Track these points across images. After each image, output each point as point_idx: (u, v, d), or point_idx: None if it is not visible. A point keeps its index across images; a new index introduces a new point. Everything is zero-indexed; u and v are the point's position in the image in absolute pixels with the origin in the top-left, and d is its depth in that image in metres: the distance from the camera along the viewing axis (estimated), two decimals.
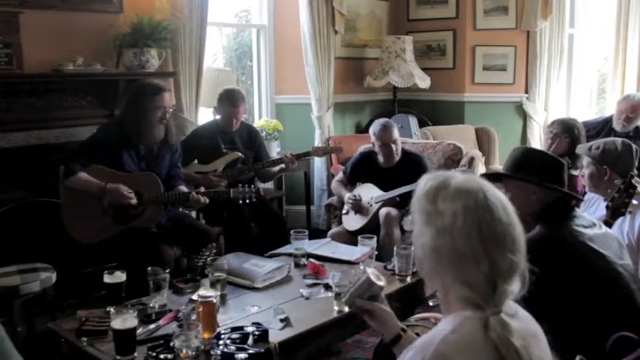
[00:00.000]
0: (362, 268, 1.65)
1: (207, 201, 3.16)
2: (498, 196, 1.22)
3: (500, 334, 1.12)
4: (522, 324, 1.19)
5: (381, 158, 3.77)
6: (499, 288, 1.15)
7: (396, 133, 3.72)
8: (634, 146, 2.71)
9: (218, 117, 3.90)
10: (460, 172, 1.27)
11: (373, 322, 1.58)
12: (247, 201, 3.24)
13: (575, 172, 3.65)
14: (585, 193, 3.09)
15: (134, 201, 2.98)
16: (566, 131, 3.69)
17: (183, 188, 3.24)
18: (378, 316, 1.57)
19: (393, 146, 3.69)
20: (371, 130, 3.78)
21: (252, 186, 3.29)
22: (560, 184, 1.97)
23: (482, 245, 1.15)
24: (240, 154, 3.80)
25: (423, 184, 1.26)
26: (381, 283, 1.61)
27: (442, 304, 1.27)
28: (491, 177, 2.06)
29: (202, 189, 3.23)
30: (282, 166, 3.82)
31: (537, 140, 5.60)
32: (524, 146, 2.14)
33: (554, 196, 1.96)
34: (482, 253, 1.15)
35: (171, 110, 3.16)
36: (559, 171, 2.00)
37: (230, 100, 3.77)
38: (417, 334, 1.83)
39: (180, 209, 3.47)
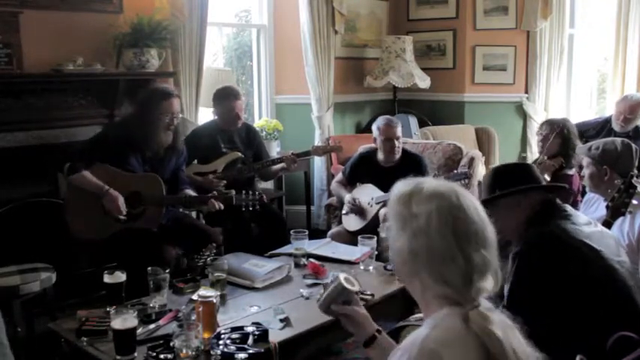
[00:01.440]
0: (334, 274, 1.66)
1: (222, 207, 3.14)
2: (470, 198, 1.27)
3: (481, 324, 1.17)
4: (500, 317, 1.23)
5: (381, 155, 3.77)
6: (475, 283, 1.21)
7: (399, 130, 3.73)
8: (634, 146, 2.71)
9: (212, 116, 3.88)
10: (432, 178, 1.35)
11: (349, 326, 1.59)
12: (250, 209, 3.21)
13: (570, 172, 3.65)
14: (582, 192, 3.09)
15: (122, 217, 2.97)
16: (554, 131, 3.70)
17: (190, 192, 3.24)
18: (353, 319, 1.58)
19: (396, 142, 3.70)
20: (375, 125, 3.78)
21: (257, 193, 3.25)
22: (532, 182, 1.98)
23: (457, 243, 1.20)
24: (239, 154, 3.79)
25: (396, 190, 1.32)
26: (354, 288, 1.61)
27: (421, 307, 1.31)
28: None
29: (215, 193, 3.22)
30: (283, 165, 3.82)
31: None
32: (488, 171, 2.18)
33: (540, 197, 1.97)
34: (457, 250, 1.20)
35: (180, 116, 3.16)
36: (528, 172, 2.02)
37: (228, 96, 3.75)
38: None
39: (181, 209, 3.47)
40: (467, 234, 1.21)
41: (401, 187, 1.31)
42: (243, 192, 3.21)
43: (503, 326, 1.20)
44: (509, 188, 1.96)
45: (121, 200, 2.96)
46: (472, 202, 1.27)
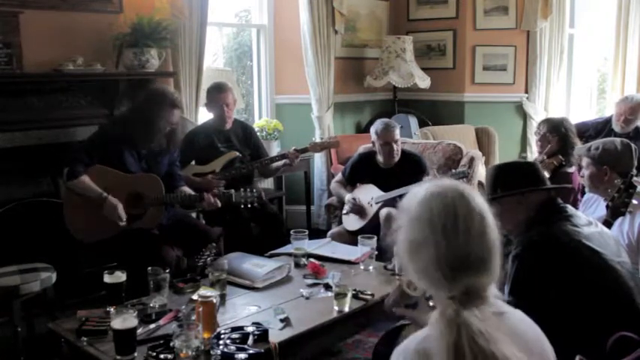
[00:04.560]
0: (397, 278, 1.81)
1: (220, 204, 3.15)
2: (463, 192, 1.23)
3: (463, 332, 1.09)
4: (507, 323, 1.19)
5: (380, 158, 3.76)
6: (455, 277, 1.16)
7: (397, 133, 3.72)
8: (633, 146, 2.71)
9: (211, 116, 3.88)
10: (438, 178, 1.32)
11: (416, 328, 1.64)
12: (249, 206, 3.22)
13: (569, 170, 3.65)
14: (582, 191, 3.09)
15: (123, 223, 2.96)
16: (553, 130, 3.71)
17: (186, 189, 3.24)
18: (415, 322, 1.65)
19: (394, 146, 3.69)
20: (373, 128, 3.77)
21: (255, 190, 3.26)
22: (537, 184, 1.98)
23: (433, 232, 1.18)
24: (237, 153, 3.78)
25: (407, 196, 1.30)
26: (415, 293, 1.69)
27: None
28: None
29: (216, 190, 3.23)
30: (286, 161, 3.80)
31: None
32: (493, 165, 2.17)
33: (542, 197, 1.96)
34: (432, 239, 1.17)
35: (174, 127, 3.17)
36: (533, 172, 2.02)
37: (216, 90, 3.74)
38: None
39: (179, 206, 3.46)
40: (447, 224, 1.17)
41: (410, 192, 1.30)
42: (242, 189, 3.22)
43: (500, 337, 1.10)
44: (512, 188, 1.96)
45: (120, 207, 2.95)
46: (475, 206, 1.21)
